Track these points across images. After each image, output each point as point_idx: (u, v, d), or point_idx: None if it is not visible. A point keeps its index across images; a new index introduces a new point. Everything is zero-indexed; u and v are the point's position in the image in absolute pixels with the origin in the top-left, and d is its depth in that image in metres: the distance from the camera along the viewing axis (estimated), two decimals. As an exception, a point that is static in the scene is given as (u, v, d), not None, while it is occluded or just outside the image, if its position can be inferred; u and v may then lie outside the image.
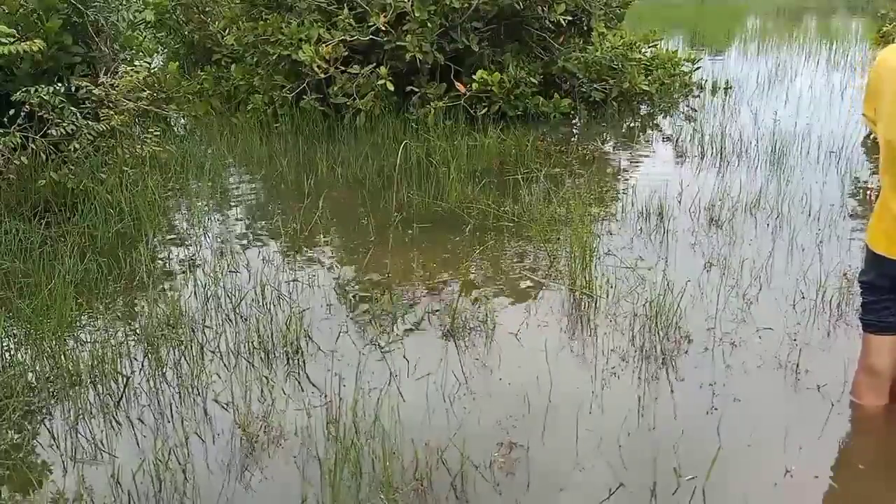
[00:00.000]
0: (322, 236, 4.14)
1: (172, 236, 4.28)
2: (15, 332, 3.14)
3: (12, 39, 4.41)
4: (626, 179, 5.08)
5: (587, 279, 3.37)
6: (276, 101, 6.48)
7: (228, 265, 3.76)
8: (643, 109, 7.02)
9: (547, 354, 2.85)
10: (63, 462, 2.39)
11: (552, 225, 4.09)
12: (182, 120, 6.66)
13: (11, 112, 4.58)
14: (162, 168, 5.05)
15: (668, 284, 3.27)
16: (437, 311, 3.24)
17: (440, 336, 3.05)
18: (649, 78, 7.01)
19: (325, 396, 2.64)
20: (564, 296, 3.35)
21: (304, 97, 6.36)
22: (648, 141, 6.10)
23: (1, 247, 3.80)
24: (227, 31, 7.36)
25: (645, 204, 4.32)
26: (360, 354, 2.89)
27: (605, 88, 6.77)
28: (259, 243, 4.09)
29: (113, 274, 3.64)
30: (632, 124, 6.67)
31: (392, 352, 2.94)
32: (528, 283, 3.52)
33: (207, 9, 8.08)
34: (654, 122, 6.73)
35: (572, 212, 4.17)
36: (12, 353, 2.98)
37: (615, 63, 6.80)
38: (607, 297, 3.29)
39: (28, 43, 4.37)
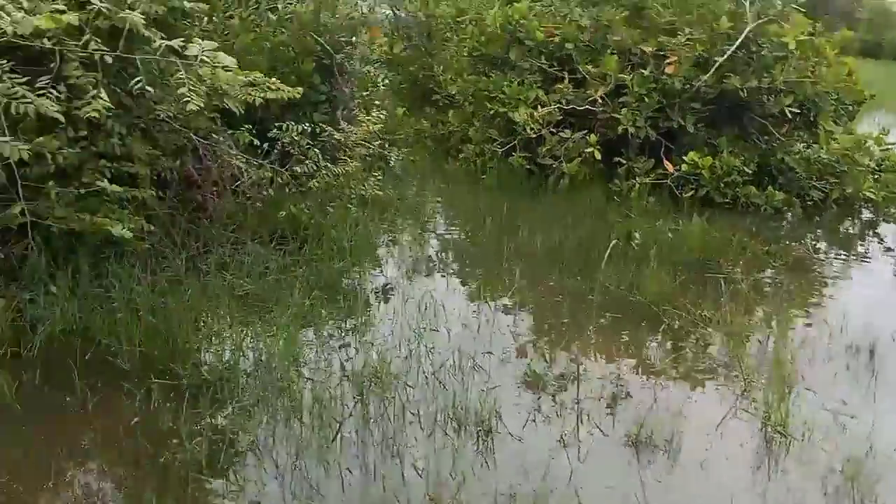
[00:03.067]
0: (517, 310, 4.34)
1: (384, 280, 4.68)
2: (251, 356, 3.62)
3: (274, 87, 5.04)
4: (837, 298, 4.80)
5: (783, 415, 3.28)
6: (486, 153, 6.84)
7: (430, 323, 4.07)
8: (865, 214, 6.55)
9: (732, 496, 2.82)
10: (285, 497, 2.75)
11: (750, 341, 4.00)
12: (400, 160, 7.19)
13: (266, 145, 5.24)
14: (381, 210, 5.52)
15: (871, 444, 3.10)
16: (623, 415, 3.31)
17: (624, 445, 3.12)
18: (878, 183, 6.50)
19: (511, 487, 2.82)
20: (756, 428, 3.28)
21: (514, 153, 6.66)
22: (867, 253, 5.71)
23: (244, 267, 4.38)
24: (450, 79, 7.86)
25: (855, 333, 4.08)
26: (547, 451, 3.03)
27: (826, 188, 6.41)
28: (458, 304, 4.37)
29: (332, 312, 4.08)
30: (850, 230, 6.26)
31: (575, 452, 3.06)
32: (721, 405, 3.46)
33: (434, 51, 8.67)
34: (877, 230, 6.26)
35: (774, 331, 4.05)
36: (247, 379, 3.44)
37: (840, 165, 6.42)
38: (802, 439, 3.18)
39: (292, 90, 4.99)
